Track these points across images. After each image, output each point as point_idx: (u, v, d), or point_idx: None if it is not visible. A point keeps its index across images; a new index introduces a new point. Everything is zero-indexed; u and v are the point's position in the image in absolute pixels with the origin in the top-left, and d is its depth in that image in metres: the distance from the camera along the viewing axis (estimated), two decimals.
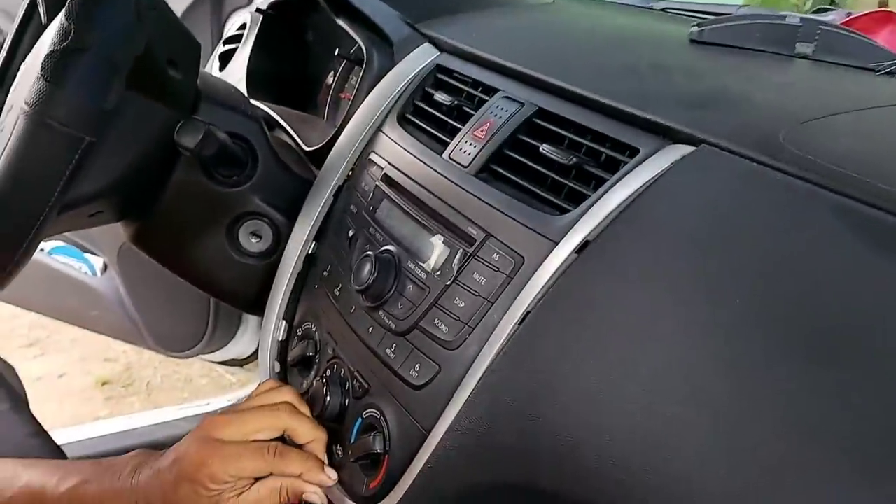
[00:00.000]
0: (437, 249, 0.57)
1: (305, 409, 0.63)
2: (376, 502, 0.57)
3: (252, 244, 0.78)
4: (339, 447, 0.62)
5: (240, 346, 1.52)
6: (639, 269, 0.45)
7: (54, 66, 0.53)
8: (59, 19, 0.54)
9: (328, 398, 0.62)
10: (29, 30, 0.75)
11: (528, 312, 0.49)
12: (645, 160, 0.49)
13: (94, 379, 2.05)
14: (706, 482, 0.40)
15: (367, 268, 0.60)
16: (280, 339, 0.72)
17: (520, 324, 0.49)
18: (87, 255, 1.50)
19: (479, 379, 0.51)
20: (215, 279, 0.80)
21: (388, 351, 0.58)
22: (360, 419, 0.60)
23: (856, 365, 0.37)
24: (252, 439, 0.58)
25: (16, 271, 0.61)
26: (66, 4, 0.53)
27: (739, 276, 0.42)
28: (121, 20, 0.55)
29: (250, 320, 1.44)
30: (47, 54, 0.53)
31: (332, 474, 0.60)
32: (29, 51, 0.75)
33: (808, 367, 0.38)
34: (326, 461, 0.61)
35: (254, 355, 1.58)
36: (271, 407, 0.61)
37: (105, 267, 1.49)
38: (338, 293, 0.66)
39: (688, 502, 0.41)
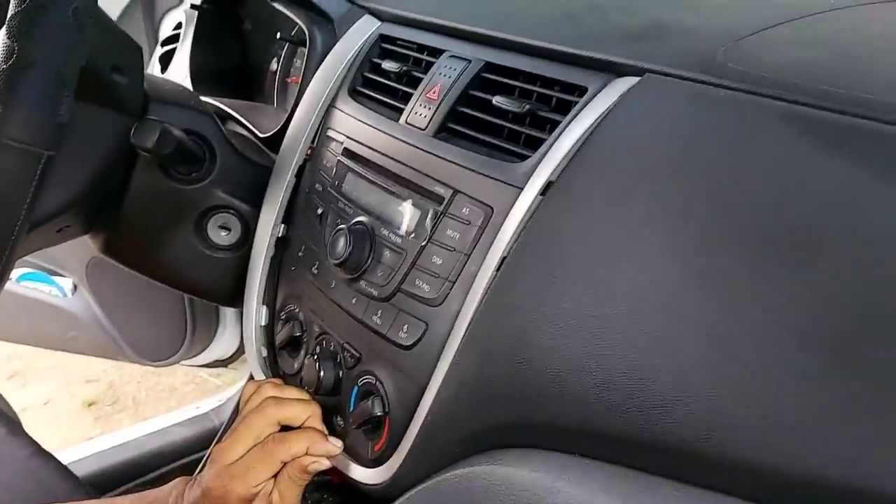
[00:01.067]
0: (408, 213, 0.59)
1: (291, 393, 0.64)
2: (383, 462, 0.59)
3: (222, 237, 0.79)
4: (339, 418, 0.64)
5: (222, 345, 1.53)
6: (602, 200, 0.47)
7: (3, 86, 0.53)
8: (1, 38, 0.54)
9: (322, 373, 0.64)
10: None
11: (503, 259, 0.51)
12: (594, 97, 0.51)
13: (80, 401, 2.04)
14: (692, 396, 0.43)
15: (342, 241, 0.61)
16: (263, 323, 0.73)
17: (497, 270, 0.51)
18: (55, 278, 1.49)
19: (466, 330, 0.53)
20: (190, 277, 0.80)
21: (374, 318, 0.60)
22: (356, 387, 0.62)
23: (823, 260, 0.40)
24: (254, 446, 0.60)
25: None
26: (6, 22, 0.52)
27: (700, 192, 0.44)
28: (63, 32, 0.55)
29: (228, 318, 1.44)
30: None
31: (337, 442, 0.62)
32: None
33: (779, 269, 0.40)
34: (326, 431, 0.62)
35: (238, 353, 1.58)
36: (257, 409, 0.62)
37: (75, 287, 1.47)
38: (316, 271, 0.67)
39: (675, 416, 0.44)
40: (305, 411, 0.63)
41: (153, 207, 0.76)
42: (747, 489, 0.43)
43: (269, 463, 0.59)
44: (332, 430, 0.65)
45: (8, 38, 0.53)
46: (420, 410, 0.56)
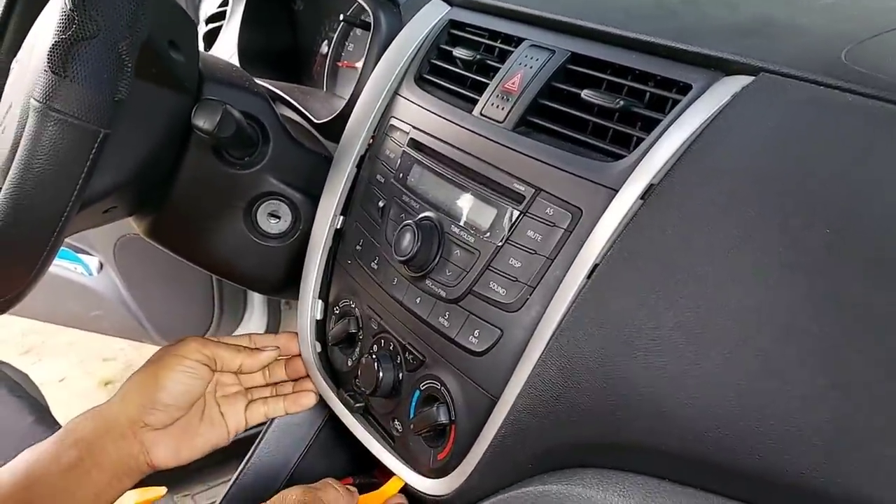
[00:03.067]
0: (482, 211, 0.55)
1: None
2: (447, 473, 0.56)
3: (271, 225, 0.76)
4: (397, 422, 0.61)
5: (248, 328, 1.50)
6: (712, 208, 0.44)
7: (61, 58, 0.50)
8: (59, 7, 0.50)
9: (381, 374, 0.61)
10: (12, 20, 0.71)
11: (595, 266, 0.48)
12: (700, 95, 0.47)
13: (96, 380, 2.02)
14: (807, 428, 0.39)
15: (409, 237, 0.58)
16: (318, 317, 0.70)
17: (588, 278, 0.48)
18: (81, 256, 1.46)
19: (548, 340, 0.49)
20: (236, 265, 0.77)
21: (441, 319, 0.57)
22: (417, 391, 0.59)
23: None
24: None
25: (40, 275, 0.58)
26: None
27: (819, 206, 0.41)
28: (124, 4, 0.52)
29: (256, 302, 1.42)
30: (52, 46, 0.50)
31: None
32: (13, 42, 0.71)
33: None
34: None
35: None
36: None
37: (101, 266, 1.45)
38: (375, 266, 0.64)
39: (783, 449, 0.40)
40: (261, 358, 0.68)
41: (203, 191, 0.73)
42: None
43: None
44: (389, 434, 0.62)
45: (70, 7, 0.49)
46: (491, 422, 0.53)
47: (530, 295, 0.51)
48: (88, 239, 1.38)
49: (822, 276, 0.40)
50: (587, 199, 0.49)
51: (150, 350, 2.13)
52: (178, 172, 0.72)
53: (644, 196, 0.46)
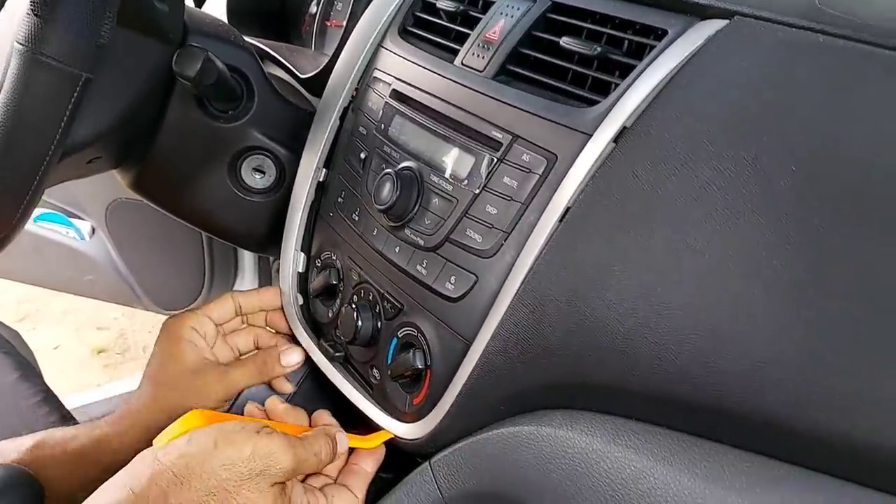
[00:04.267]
0: (461, 159, 0.55)
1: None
2: (422, 417, 0.56)
3: (256, 180, 0.76)
4: (375, 370, 0.62)
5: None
6: (682, 152, 0.44)
7: (44, 1, 0.50)
8: None
9: (360, 323, 0.61)
10: None
11: (567, 210, 0.48)
12: (675, 40, 0.47)
13: (90, 348, 2.03)
14: (778, 364, 0.40)
15: (388, 186, 0.58)
16: (300, 270, 0.70)
17: (560, 221, 0.48)
18: (74, 220, 1.47)
19: (521, 283, 0.50)
20: (221, 220, 0.77)
21: (419, 268, 0.57)
22: (395, 339, 0.59)
23: None
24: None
25: (21, 224, 0.59)
26: None
27: (790, 146, 0.41)
28: None
29: (247, 266, 1.42)
30: None
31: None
32: None
33: (883, 235, 0.37)
34: None
35: None
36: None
37: (93, 230, 1.45)
38: (357, 217, 0.64)
39: (759, 384, 0.41)
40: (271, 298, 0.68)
41: (187, 143, 0.73)
42: (832, 464, 0.40)
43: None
44: (367, 382, 0.63)
45: None
46: (465, 366, 0.53)
47: (505, 241, 0.52)
48: (80, 203, 1.38)
49: (793, 215, 0.40)
50: (562, 144, 0.50)
51: (143, 319, 2.11)
52: (162, 124, 0.72)
53: (617, 139, 0.47)
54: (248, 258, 1.40)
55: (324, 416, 0.61)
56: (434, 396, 0.55)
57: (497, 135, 0.53)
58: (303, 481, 0.56)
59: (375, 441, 0.59)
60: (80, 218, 1.44)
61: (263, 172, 0.76)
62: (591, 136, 0.48)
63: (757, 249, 0.41)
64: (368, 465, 0.58)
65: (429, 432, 0.56)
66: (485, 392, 0.53)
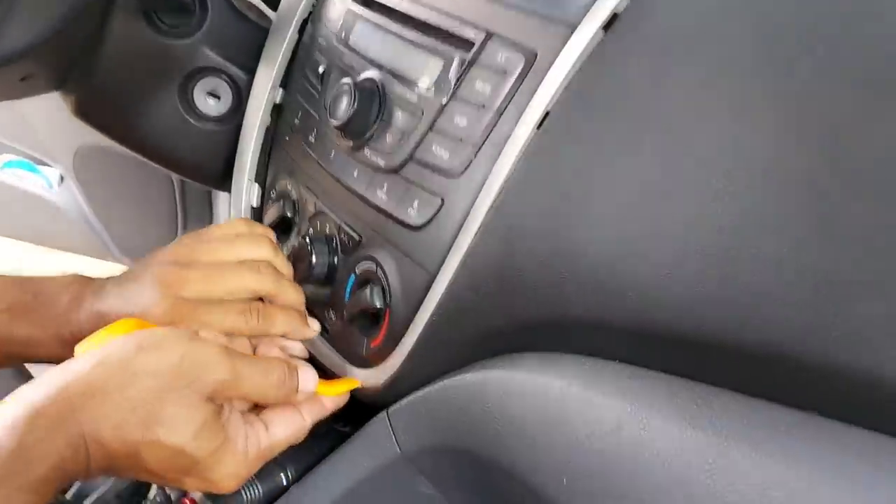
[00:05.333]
0: (428, 64, 0.48)
1: (282, 263, 0.54)
2: (381, 361, 0.49)
3: (210, 106, 0.69)
4: (332, 312, 0.55)
5: None
6: (683, 36, 0.36)
7: None
8: None
9: (314, 258, 0.54)
10: None
11: (546, 115, 0.41)
12: None
13: None
14: (788, 283, 0.33)
15: (345, 100, 0.50)
16: (254, 204, 0.63)
17: (538, 129, 0.41)
18: (42, 168, 1.39)
19: (491, 204, 0.43)
20: (172, 150, 0.70)
21: (379, 193, 0.50)
22: (353, 276, 0.52)
23: None
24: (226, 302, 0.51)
25: None
26: None
27: (811, 24, 0.33)
28: None
29: (222, 216, 1.35)
30: None
31: (315, 325, 0.53)
32: None
33: None
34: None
35: None
36: (249, 266, 0.52)
37: (62, 178, 1.38)
38: (313, 140, 0.56)
39: (763, 313, 0.34)
40: (297, 295, 0.54)
41: (132, 62, 0.66)
42: (846, 409, 0.33)
43: (244, 330, 0.50)
44: (323, 326, 0.56)
45: None
46: (427, 303, 0.46)
47: (475, 156, 0.44)
48: (47, 148, 1.31)
49: (813, 104, 0.33)
50: (542, 39, 0.42)
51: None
52: (105, 40, 0.64)
53: (606, 27, 0.39)
54: (222, 203, 1.33)
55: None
56: (393, 338, 0.48)
57: (469, 33, 0.46)
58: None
59: (341, 387, 0.51)
60: (48, 165, 1.37)
61: (218, 97, 0.68)
62: (576, 26, 0.40)
63: (768, 148, 0.33)
64: (328, 402, 0.50)
65: (387, 379, 0.49)
66: (449, 332, 0.46)
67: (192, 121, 0.68)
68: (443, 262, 0.45)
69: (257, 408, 0.47)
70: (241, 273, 0.51)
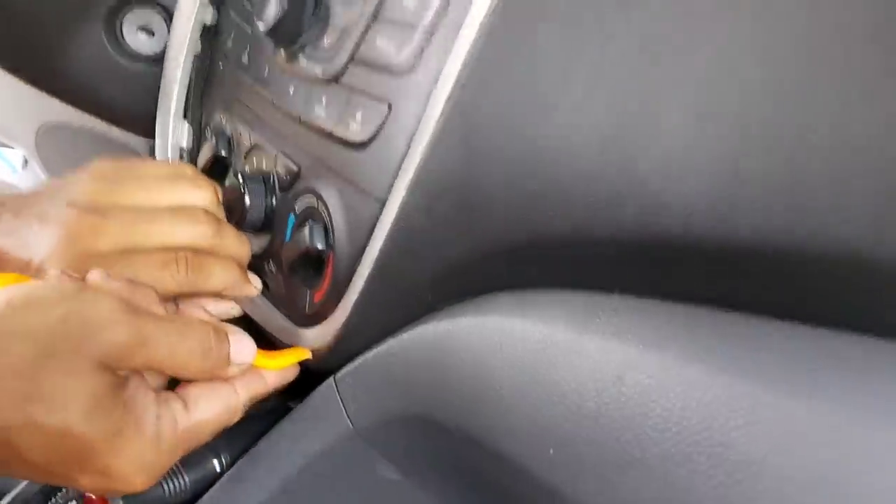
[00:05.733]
0: None
1: (224, 215, 0.45)
2: (326, 317, 0.40)
3: (141, 42, 0.59)
4: (272, 263, 0.45)
5: None
6: None
7: None
8: None
9: (248, 200, 0.45)
10: None
11: None
12: None
13: None
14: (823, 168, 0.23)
15: None
16: (184, 146, 0.54)
17: (500, 1, 0.31)
18: (3, 150, 1.30)
19: (445, 103, 0.33)
20: (99, 93, 0.61)
21: (317, 109, 0.40)
22: (292, 216, 0.43)
23: None
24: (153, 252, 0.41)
25: None
26: None
27: None
28: None
29: None
30: None
31: (257, 282, 0.43)
32: None
33: None
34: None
35: None
36: (187, 213, 0.42)
37: (26, 161, 1.29)
38: (247, 60, 0.47)
39: (785, 213, 0.24)
40: (241, 247, 0.44)
41: None
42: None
43: (170, 290, 0.40)
44: (263, 280, 0.47)
45: None
46: (375, 238, 0.37)
47: (426, 45, 0.35)
48: (8, 129, 1.22)
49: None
50: None
51: None
52: None
53: None
54: None
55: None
56: (339, 287, 0.39)
57: None
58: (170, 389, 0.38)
59: (286, 359, 0.42)
60: (9, 147, 1.28)
61: (152, 33, 0.59)
62: None
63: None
64: (270, 377, 0.40)
65: (333, 338, 0.40)
66: (403, 273, 0.36)
67: (121, 60, 0.59)
68: (392, 184, 0.36)
69: (179, 386, 0.37)
70: (172, 221, 0.42)
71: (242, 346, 0.37)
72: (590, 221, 0.29)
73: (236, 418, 0.38)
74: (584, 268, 0.31)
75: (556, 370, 0.31)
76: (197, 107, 0.54)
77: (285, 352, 0.41)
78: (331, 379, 0.40)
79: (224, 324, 0.38)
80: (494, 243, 0.33)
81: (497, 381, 0.33)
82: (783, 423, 0.23)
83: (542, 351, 0.31)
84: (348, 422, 0.39)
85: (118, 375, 0.33)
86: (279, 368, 0.40)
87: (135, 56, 0.59)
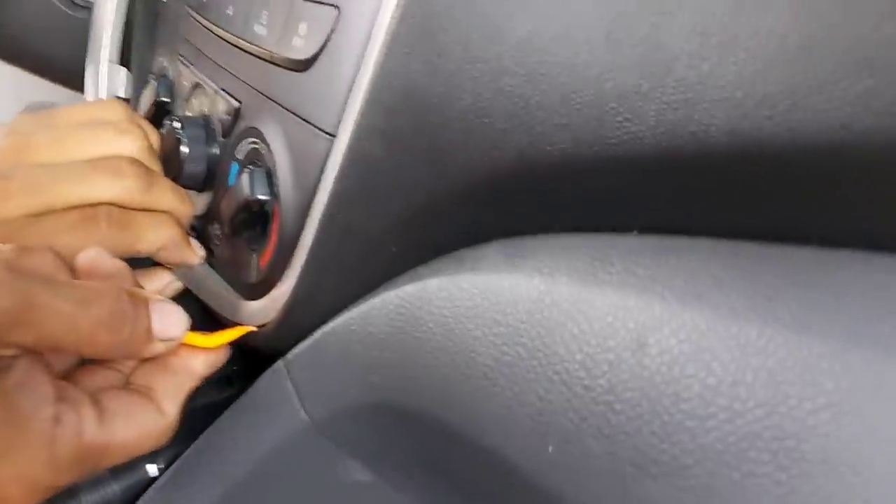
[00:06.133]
0: None
1: (158, 167, 0.37)
2: (274, 286, 0.32)
3: None
4: (216, 225, 0.38)
5: None
6: None
7: None
8: None
9: (185, 149, 0.37)
10: None
11: None
12: None
13: None
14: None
15: None
16: (120, 94, 0.46)
17: None
18: None
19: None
20: (41, 46, 0.54)
21: (256, 28, 0.33)
22: (235, 165, 0.35)
23: None
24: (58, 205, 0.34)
25: None
26: None
27: None
28: None
29: None
30: None
31: (199, 249, 0.35)
32: None
33: None
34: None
35: None
36: (108, 165, 0.35)
37: None
38: None
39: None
40: (183, 206, 0.36)
41: None
42: None
43: (85, 239, 0.32)
44: (207, 247, 0.39)
45: None
46: (325, 177, 0.29)
47: None
48: None
49: None
50: None
51: None
52: None
53: None
54: None
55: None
56: (286, 246, 0.31)
57: None
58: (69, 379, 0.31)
59: (222, 337, 0.34)
60: None
61: None
62: None
63: None
64: (197, 365, 0.31)
65: (281, 309, 0.32)
66: (360, 221, 0.28)
67: (65, 9, 0.52)
68: (342, 109, 0.28)
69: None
70: (89, 175, 0.34)
71: (167, 316, 0.29)
72: (598, 132, 0.21)
73: (163, 442, 0.29)
74: (591, 202, 0.23)
75: (557, 338, 0.23)
76: (141, 50, 0.46)
77: (226, 332, 0.33)
78: (280, 361, 0.33)
79: (143, 290, 0.30)
80: (470, 175, 0.25)
81: (478, 357, 0.25)
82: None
83: (538, 313, 0.23)
84: (303, 413, 0.31)
85: None
86: (216, 347, 0.32)
87: (80, 5, 0.52)
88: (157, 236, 0.34)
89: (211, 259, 0.38)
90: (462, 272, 0.26)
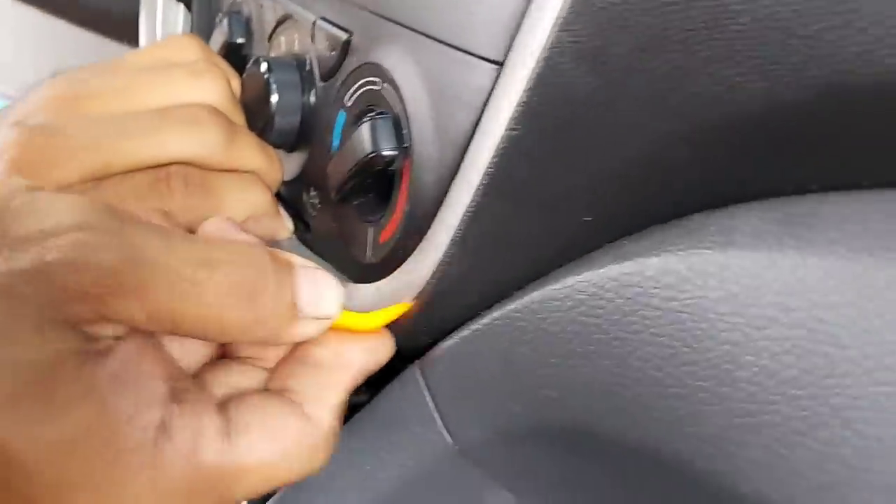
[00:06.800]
0: None
1: (240, 118, 0.31)
2: (400, 265, 0.25)
3: None
4: (313, 191, 0.30)
5: None
6: None
7: None
8: None
9: (275, 96, 0.30)
10: None
11: None
12: None
13: None
14: None
15: None
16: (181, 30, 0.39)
17: None
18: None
19: None
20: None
21: None
22: (342, 113, 0.28)
23: None
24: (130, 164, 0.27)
25: None
26: None
27: None
28: None
29: None
30: None
31: (289, 222, 0.29)
32: None
33: None
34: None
35: None
36: (185, 114, 0.28)
37: None
38: None
39: None
40: (271, 165, 0.29)
41: None
42: None
43: (158, 207, 0.26)
44: (301, 218, 0.32)
45: None
46: (489, 119, 0.21)
47: None
48: (20, 80, 1.11)
49: None
50: None
51: None
52: None
53: None
54: None
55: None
56: (420, 214, 0.24)
57: None
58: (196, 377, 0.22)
59: (378, 318, 0.25)
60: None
61: None
62: None
63: None
64: (354, 354, 0.23)
65: (414, 295, 0.24)
66: (540, 179, 0.21)
67: None
68: (516, 21, 0.20)
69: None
70: (160, 127, 0.27)
71: (319, 285, 0.22)
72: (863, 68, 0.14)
73: (318, 463, 0.22)
74: (837, 156, 0.16)
75: (823, 329, 0.15)
76: None
77: (379, 311, 0.25)
78: (414, 367, 0.25)
79: (287, 253, 0.23)
80: (707, 114, 0.17)
81: (738, 372, 0.17)
82: None
83: (795, 294, 0.16)
84: (446, 435, 0.24)
85: (91, 338, 0.19)
86: (375, 328, 0.24)
87: None
88: (243, 204, 0.28)
89: (305, 234, 0.31)
90: (704, 246, 0.18)
